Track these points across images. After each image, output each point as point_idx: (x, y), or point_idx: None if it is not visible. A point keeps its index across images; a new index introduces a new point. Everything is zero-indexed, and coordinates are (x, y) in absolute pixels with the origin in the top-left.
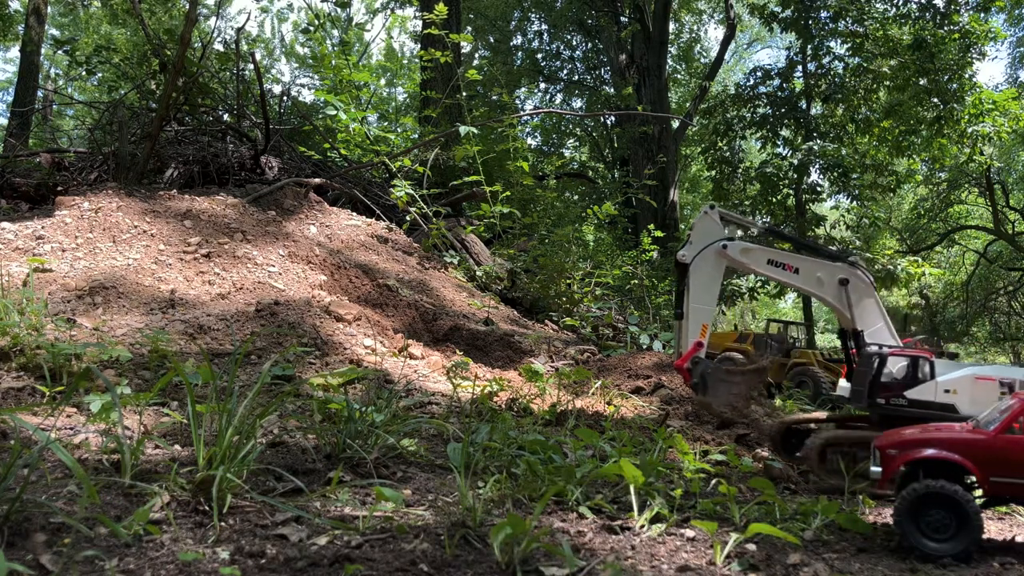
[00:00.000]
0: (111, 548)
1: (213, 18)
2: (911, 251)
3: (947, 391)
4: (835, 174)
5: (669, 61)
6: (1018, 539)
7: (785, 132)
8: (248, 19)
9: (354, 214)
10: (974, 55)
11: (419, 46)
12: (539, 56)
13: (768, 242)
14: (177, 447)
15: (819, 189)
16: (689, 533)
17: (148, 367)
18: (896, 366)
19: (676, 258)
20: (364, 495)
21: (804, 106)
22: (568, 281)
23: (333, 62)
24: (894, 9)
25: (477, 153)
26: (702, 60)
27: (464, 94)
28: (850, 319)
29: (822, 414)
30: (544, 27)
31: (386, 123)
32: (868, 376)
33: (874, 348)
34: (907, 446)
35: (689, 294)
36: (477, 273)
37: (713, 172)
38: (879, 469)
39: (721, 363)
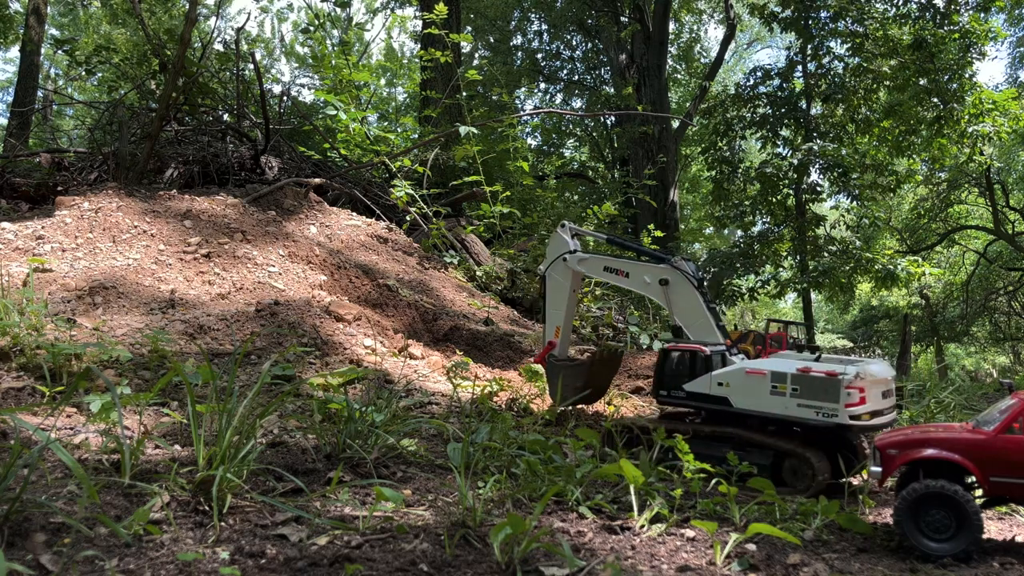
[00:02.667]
0: (111, 548)
1: (213, 18)
2: (911, 251)
3: (720, 384)
4: (835, 174)
5: (669, 61)
6: (1018, 539)
7: (785, 132)
8: (248, 19)
9: (354, 214)
10: (974, 55)
11: (419, 46)
12: (539, 56)
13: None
14: (177, 447)
15: (819, 189)
16: (689, 533)
17: (148, 367)
18: (677, 360)
19: (536, 271)
20: (364, 495)
21: (804, 106)
22: None
23: (333, 62)
24: (894, 9)
25: (477, 153)
26: (702, 60)
27: (464, 94)
28: (672, 315)
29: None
30: (544, 27)
31: (386, 123)
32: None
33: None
34: (907, 446)
35: (545, 301)
36: (477, 273)
37: (713, 172)
38: (879, 469)
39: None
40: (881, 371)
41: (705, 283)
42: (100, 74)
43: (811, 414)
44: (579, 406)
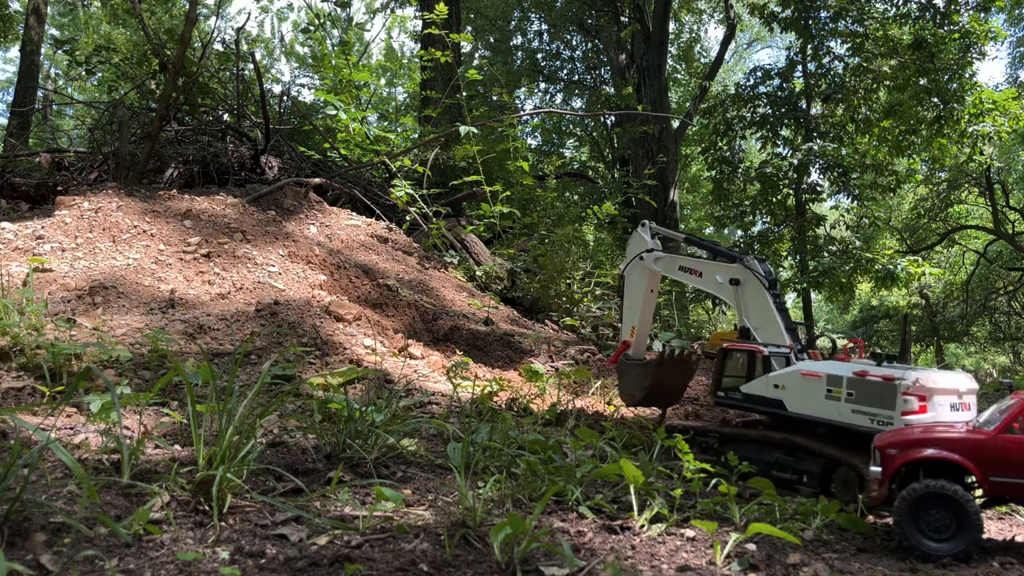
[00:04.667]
0: (111, 548)
1: (213, 18)
2: (911, 251)
3: (776, 386)
4: (835, 174)
5: (669, 61)
6: (1018, 539)
7: (785, 132)
8: (248, 19)
9: (354, 214)
10: (974, 55)
11: (419, 46)
12: (539, 56)
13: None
14: (177, 447)
15: (819, 189)
16: (689, 533)
17: (148, 367)
18: (735, 360)
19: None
20: (364, 495)
21: (804, 106)
22: (568, 281)
23: (333, 62)
24: (894, 9)
25: (477, 153)
26: (702, 60)
27: (464, 94)
28: (741, 316)
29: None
30: (544, 27)
31: (386, 123)
32: (714, 371)
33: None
34: (907, 446)
35: (623, 300)
36: (477, 273)
37: (713, 172)
38: (879, 469)
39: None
40: (949, 381)
41: (777, 284)
42: (100, 74)
43: (865, 421)
44: (580, 405)
